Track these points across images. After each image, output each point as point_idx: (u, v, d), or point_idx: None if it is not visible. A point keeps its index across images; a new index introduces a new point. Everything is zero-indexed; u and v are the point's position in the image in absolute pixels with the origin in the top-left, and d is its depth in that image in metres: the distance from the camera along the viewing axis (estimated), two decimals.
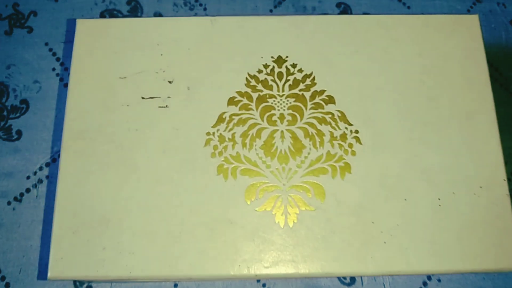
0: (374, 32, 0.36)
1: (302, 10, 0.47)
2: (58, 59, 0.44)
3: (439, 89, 0.35)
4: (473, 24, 0.36)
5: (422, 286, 0.38)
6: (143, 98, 0.34)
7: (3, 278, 0.37)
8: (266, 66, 0.35)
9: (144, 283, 0.37)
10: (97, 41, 0.36)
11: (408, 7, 0.48)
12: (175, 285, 0.37)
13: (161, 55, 0.35)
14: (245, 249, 0.30)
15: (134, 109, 0.34)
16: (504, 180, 0.33)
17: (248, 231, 0.31)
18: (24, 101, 0.42)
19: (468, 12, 0.48)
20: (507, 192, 0.32)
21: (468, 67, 0.35)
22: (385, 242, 0.31)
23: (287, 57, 0.35)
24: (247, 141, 0.33)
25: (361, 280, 0.38)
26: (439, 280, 0.38)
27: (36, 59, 0.44)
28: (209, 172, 0.32)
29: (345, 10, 0.48)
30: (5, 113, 0.42)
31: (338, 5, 0.48)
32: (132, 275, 0.30)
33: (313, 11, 0.47)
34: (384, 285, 0.38)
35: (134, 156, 0.32)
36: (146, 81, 0.34)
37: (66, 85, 0.43)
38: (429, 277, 0.38)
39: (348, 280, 0.38)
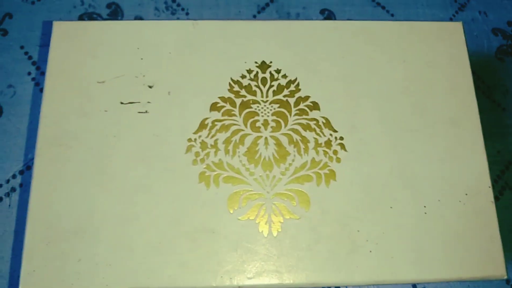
0: (359, 38, 0.36)
1: (286, 16, 0.47)
2: (34, 63, 0.42)
3: (423, 96, 0.35)
4: (456, 31, 0.36)
5: None
6: (122, 103, 0.33)
7: None
8: (249, 71, 0.34)
9: None
10: (75, 44, 0.34)
11: (392, 15, 0.49)
12: None
13: (141, 59, 0.34)
14: (228, 260, 0.29)
15: (112, 115, 0.33)
16: (489, 187, 0.32)
17: (231, 241, 0.30)
18: None
19: (451, 20, 0.48)
20: (492, 199, 0.32)
21: (452, 73, 0.35)
22: (370, 251, 0.30)
23: (271, 62, 0.35)
24: (230, 147, 0.32)
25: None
26: None
27: (10, 63, 0.42)
28: (190, 180, 0.31)
29: (329, 16, 0.48)
30: None
31: (322, 11, 0.48)
32: None
33: (297, 17, 0.47)
34: None
35: (112, 163, 0.31)
36: (125, 86, 0.33)
37: (42, 90, 0.41)
38: (414, 286, 0.38)
39: None
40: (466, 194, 0.32)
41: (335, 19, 0.47)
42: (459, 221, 0.31)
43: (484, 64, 0.47)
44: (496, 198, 0.42)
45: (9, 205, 0.37)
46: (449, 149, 0.33)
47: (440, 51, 0.36)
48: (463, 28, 0.48)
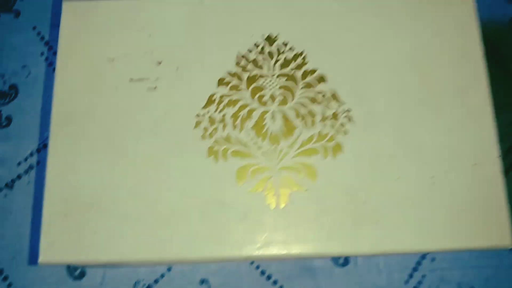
0: (366, 9, 0.36)
1: None
2: (46, 43, 0.43)
3: (431, 67, 0.34)
4: (466, 1, 0.36)
5: (416, 266, 0.38)
6: (131, 80, 0.34)
7: None
8: (256, 45, 0.35)
9: (138, 267, 0.38)
10: (84, 23, 0.35)
11: None
12: (169, 268, 0.37)
13: (149, 35, 0.35)
14: (237, 231, 0.30)
15: (122, 92, 0.33)
16: (498, 157, 0.32)
17: (239, 212, 0.31)
18: (13, 87, 0.42)
19: None
20: (500, 170, 0.32)
21: (462, 43, 0.35)
22: (377, 222, 0.31)
23: (277, 35, 0.35)
24: (238, 122, 0.33)
25: (356, 260, 0.38)
26: (433, 260, 0.38)
27: (24, 44, 0.43)
28: (199, 154, 0.32)
29: None
30: None
31: None
32: (123, 259, 0.30)
33: None
34: (378, 265, 0.38)
35: (124, 139, 0.32)
36: (134, 63, 0.34)
37: (55, 70, 0.42)
38: (423, 256, 0.39)
39: (342, 261, 0.38)
40: (475, 164, 0.32)
41: None
42: (467, 191, 0.32)
43: (498, 33, 0.46)
44: (507, 171, 0.41)
45: (28, 182, 0.39)
46: (457, 120, 0.33)
47: (449, 21, 0.35)
48: None
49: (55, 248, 0.30)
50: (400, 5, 0.36)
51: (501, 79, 0.44)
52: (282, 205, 0.31)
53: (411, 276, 0.38)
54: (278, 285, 0.37)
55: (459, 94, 0.34)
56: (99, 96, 0.33)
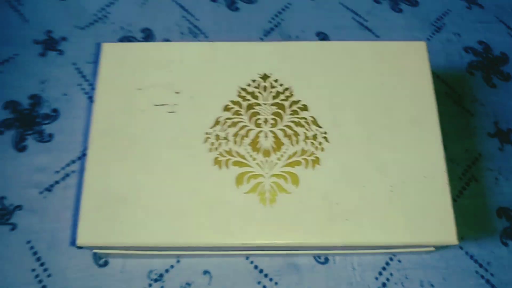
0: (342, 55, 0.45)
1: (288, 38, 0.57)
2: (83, 76, 0.53)
3: (392, 100, 0.43)
4: (421, 49, 0.45)
5: (385, 265, 0.46)
6: (155, 105, 0.43)
7: (35, 253, 0.45)
8: (254, 81, 0.44)
9: (152, 258, 0.45)
10: (119, 60, 0.45)
11: (378, 36, 0.58)
12: (178, 260, 0.45)
13: (170, 72, 0.44)
14: (235, 223, 0.38)
15: (148, 114, 0.42)
16: (445, 172, 0.41)
17: (237, 209, 0.39)
18: (55, 110, 0.51)
19: (428, 40, 0.57)
20: (447, 182, 0.40)
21: (416, 83, 0.44)
22: (347, 219, 0.39)
23: (271, 74, 0.44)
24: (238, 139, 0.41)
25: (334, 259, 0.46)
26: (399, 261, 0.46)
27: (65, 76, 0.53)
28: (207, 163, 0.40)
29: (323, 38, 0.57)
30: (39, 119, 0.51)
31: (318, 34, 0.57)
32: (144, 243, 0.38)
33: (297, 39, 0.57)
34: (352, 264, 0.45)
35: (147, 150, 0.41)
36: (158, 92, 0.43)
37: (90, 97, 0.52)
38: (391, 258, 0.46)
39: (322, 259, 0.46)
40: (425, 177, 0.40)
41: (329, 40, 0.57)
42: (419, 198, 0.40)
43: (456, 77, 0.56)
44: (463, 188, 0.50)
45: (64, 187, 0.47)
46: (412, 142, 0.42)
47: (406, 65, 0.45)
48: (438, 47, 0.57)
49: (90, 233, 0.38)
50: (367, 51, 0.45)
51: (459, 115, 0.53)
52: (271, 205, 0.39)
53: (380, 274, 0.45)
54: (269, 277, 0.44)
55: (414, 123, 0.43)
56: (129, 116, 0.42)
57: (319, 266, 0.45)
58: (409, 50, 0.46)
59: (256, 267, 0.45)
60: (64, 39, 0.55)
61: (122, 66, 0.45)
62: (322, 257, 0.46)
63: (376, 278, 0.45)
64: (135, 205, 0.39)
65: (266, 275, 0.45)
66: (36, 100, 0.51)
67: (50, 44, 0.55)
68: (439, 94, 0.44)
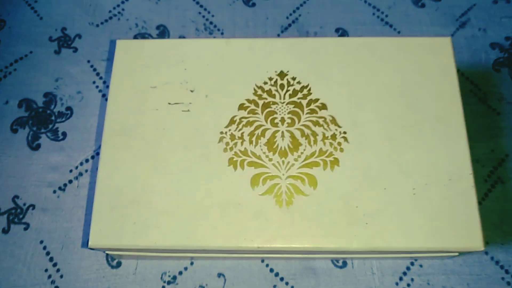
0: (362, 51, 0.44)
1: (305, 34, 0.55)
2: (97, 74, 0.53)
3: (415, 98, 0.41)
4: (446, 45, 0.43)
5: (406, 270, 0.44)
6: (169, 103, 0.42)
7: (48, 253, 0.44)
8: (270, 78, 0.43)
9: (165, 260, 0.44)
10: (133, 57, 0.44)
11: (399, 32, 0.56)
12: (191, 262, 0.44)
13: (185, 69, 0.43)
14: (250, 226, 0.37)
15: (162, 113, 0.41)
16: (470, 174, 0.39)
17: (253, 212, 0.38)
18: (69, 108, 0.51)
19: (452, 36, 0.55)
20: (472, 184, 0.38)
21: (441, 80, 0.42)
22: (367, 223, 0.37)
23: (288, 71, 0.43)
24: (253, 139, 0.40)
25: (352, 263, 0.44)
26: (421, 266, 0.44)
27: (79, 74, 0.52)
28: (221, 164, 0.39)
29: (342, 34, 0.55)
30: (53, 117, 0.50)
31: (337, 30, 0.56)
32: (157, 245, 0.37)
33: (315, 35, 0.55)
34: (372, 269, 0.44)
35: (161, 150, 0.40)
36: (172, 90, 0.42)
37: (104, 95, 0.51)
38: (412, 263, 0.44)
39: (340, 263, 0.44)
40: (450, 180, 0.38)
41: (348, 36, 0.55)
42: (443, 202, 0.38)
43: (481, 74, 0.53)
44: (489, 190, 0.47)
45: (77, 186, 0.47)
46: (436, 142, 0.40)
47: (430, 62, 0.43)
48: (462, 43, 0.54)
49: (102, 234, 0.37)
50: (389, 47, 0.44)
51: (484, 114, 0.51)
52: (288, 207, 0.38)
53: (401, 279, 0.43)
54: (284, 281, 0.43)
55: (438, 122, 0.41)
56: (143, 115, 0.41)
57: (337, 270, 0.44)
58: (433, 46, 0.44)
59: (271, 270, 0.44)
60: (78, 36, 0.55)
61: (136, 63, 0.44)
62: (340, 260, 0.44)
63: (397, 284, 0.43)
64: (148, 206, 0.38)
65: (282, 279, 0.43)
66: (50, 98, 0.51)
67: (65, 41, 0.54)
68: (464, 92, 0.42)
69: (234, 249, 0.37)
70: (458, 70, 0.43)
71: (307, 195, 0.38)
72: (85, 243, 0.44)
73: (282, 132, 0.41)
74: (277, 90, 0.42)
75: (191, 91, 0.42)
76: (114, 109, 0.42)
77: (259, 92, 0.42)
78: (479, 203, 0.46)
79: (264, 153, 0.40)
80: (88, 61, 0.53)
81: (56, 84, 0.52)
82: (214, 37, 0.55)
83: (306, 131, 0.41)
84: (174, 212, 0.38)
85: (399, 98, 0.42)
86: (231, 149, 0.40)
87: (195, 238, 0.37)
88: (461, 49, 0.54)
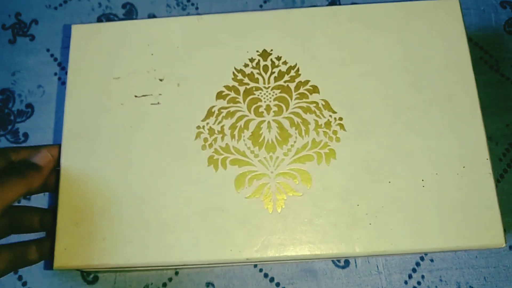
0: (356, 22, 0.37)
1: (291, 4, 0.49)
2: (59, 64, 0.46)
3: (420, 74, 0.36)
4: (453, 8, 0.37)
5: (415, 267, 0.39)
6: (136, 96, 0.36)
7: (16, 271, 0.39)
8: (251, 60, 0.37)
9: (147, 271, 0.40)
10: (92, 45, 0.38)
11: None
12: (176, 272, 0.39)
13: (152, 54, 0.37)
14: (236, 235, 0.32)
15: (128, 107, 0.36)
16: (487, 159, 0.33)
17: (239, 218, 0.33)
18: (29, 105, 0.45)
19: None
20: (490, 171, 0.33)
21: (450, 51, 0.36)
22: (370, 224, 0.32)
23: (271, 50, 0.37)
24: (236, 132, 0.35)
25: (355, 262, 0.39)
26: (431, 260, 0.39)
27: (38, 65, 0.46)
28: (200, 164, 0.34)
29: (333, 3, 0.49)
30: (12, 117, 0.44)
31: None
32: (131, 263, 0.32)
33: (302, 5, 0.48)
34: (377, 267, 0.39)
35: (130, 151, 0.34)
36: (138, 80, 0.36)
37: None
38: (422, 258, 0.40)
39: (342, 263, 0.39)
40: (464, 167, 0.33)
41: (339, 4, 0.49)
42: (457, 193, 0.33)
43: (492, 38, 0.47)
44: (505, 171, 0.42)
45: (44, 194, 0.42)
46: (446, 124, 0.34)
47: (436, 29, 0.37)
48: (469, 3, 0.48)
49: (68, 253, 0.32)
50: (388, 15, 0.37)
51: (497, 83, 0.45)
52: (279, 210, 0.33)
53: (410, 276, 0.39)
54: (281, 286, 0.39)
55: (448, 100, 0.35)
56: (107, 112, 0.36)
57: (339, 271, 0.39)
58: (438, 11, 0.37)
59: (266, 275, 0.39)
60: (35, 22, 0.48)
61: (96, 51, 0.37)
62: (342, 260, 0.39)
63: (406, 282, 0.38)
64: (118, 218, 0.33)
65: (278, 284, 0.39)
66: (7, 95, 0.45)
67: (20, 28, 0.48)
68: (472, 60, 0.36)
69: (220, 262, 0.32)
70: (466, 34, 0.36)
71: (300, 195, 0.33)
72: (49, 263, 0.39)
73: (269, 122, 0.35)
74: (260, 74, 0.36)
75: (160, 80, 0.36)
76: (73, 108, 0.36)
77: (240, 76, 0.36)
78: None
79: (248, 148, 0.34)
80: (48, 50, 0.47)
81: (13, 79, 0.46)
82: (188, 14, 0.48)
83: (296, 119, 0.35)
84: (149, 223, 0.33)
85: (401, 75, 0.36)
86: (210, 146, 0.34)
87: (174, 253, 0.32)
88: (468, 9, 0.47)
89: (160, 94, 0.36)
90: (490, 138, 0.43)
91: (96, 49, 0.37)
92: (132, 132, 0.35)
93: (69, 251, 0.32)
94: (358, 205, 0.33)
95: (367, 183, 0.33)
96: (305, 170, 0.34)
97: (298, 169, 0.34)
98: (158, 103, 0.36)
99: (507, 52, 0.46)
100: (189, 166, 0.34)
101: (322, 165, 0.34)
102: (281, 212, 0.33)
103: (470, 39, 0.46)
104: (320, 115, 0.35)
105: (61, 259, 0.32)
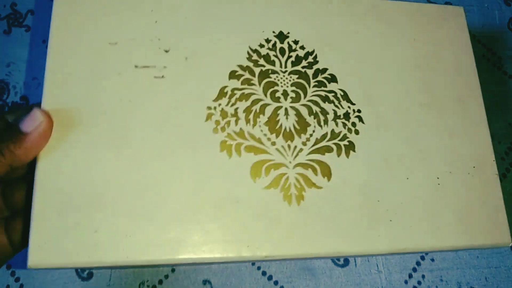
0: (372, 15, 0.35)
1: None
2: None
3: (431, 73, 0.34)
4: (458, 14, 0.36)
5: (416, 266, 0.37)
6: (136, 66, 0.29)
7: (9, 267, 0.30)
8: (268, 40, 0.32)
9: (143, 268, 0.33)
10: (83, 1, 0.30)
11: None
12: (173, 270, 0.33)
13: (156, 22, 0.31)
14: (253, 229, 0.27)
15: (126, 78, 0.29)
16: (493, 161, 0.32)
17: (255, 210, 0.28)
18: (24, 98, 0.37)
19: None
20: (496, 172, 0.32)
21: (456, 54, 0.35)
22: (391, 220, 0.29)
23: (288, 33, 0.33)
24: (251, 117, 0.30)
25: (355, 261, 0.37)
26: (432, 260, 0.38)
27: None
28: (211, 149, 0.29)
29: None
30: (6, 109, 0.36)
31: None
32: (130, 260, 0.25)
33: None
34: (377, 266, 0.37)
35: (128, 129, 0.28)
36: (139, 49, 0.30)
37: None
38: (422, 257, 0.38)
39: (341, 262, 0.36)
40: (474, 167, 0.32)
41: None
42: (469, 193, 0.31)
43: (495, 35, 0.46)
44: (507, 170, 0.42)
45: None
46: (456, 124, 0.33)
47: (444, 33, 0.35)
48: (473, 1, 0.46)
49: (47, 249, 0.25)
50: (402, 13, 0.35)
51: (500, 82, 0.44)
52: (299, 203, 0.29)
53: (410, 276, 0.37)
54: (279, 285, 0.34)
55: (457, 101, 0.34)
56: (100, 81, 0.29)
57: (338, 270, 0.36)
58: (445, 15, 0.36)
59: (264, 273, 0.34)
60: (31, 12, 0.40)
61: (89, 8, 0.30)
62: (341, 259, 0.36)
63: (406, 282, 0.36)
64: (113, 208, 0.26)
65: (276, 283, 0.34)
66: (2, 86, 0.37)
67: (15, 19, 0.39)
68: (476, 58, 0.34)
69: (237, 260, 0.27)
70: (469, 32, 0.35)
71: (320, 188, 0.29)
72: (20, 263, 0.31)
73: (286, 109, 0.31)
74: (276, 56, 0.32)
75: (166, 51, 0.30)
76: (56, 73, 0.28)
77: (255, 57, 0.32)
78: None
79: (265, 135, 0.30)
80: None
81: (8, 70, 0.38)
82: None
83: (315, 108, 0.31)
84: (151, 215, 0.26)
85: (413, 72, 0.34)
86: (222, 129, 0.29)
87: (181, 248, 0.26)
88: (472, 6, 0.46)
89: (165, 67, 0.30)
90: (492, 136, 0.42)
91: (89, 6, 0.30)
92: (131, 107, 0.28)
93: (49, 247, 0.25)
94: (378, 201, 0.30)
95: (386, 178, 0.30)
96: (324, 162, 0.30)
97: (317, 160, 0.30)
98: (163, 76, 0.30)
99: (510, 50, 0.46)
100: (199, 151, 0.28)
101: (342, 157, 0.30)
102: (301, 205, 0.28)
103: (473, 36, 0.45)
104: (339, 106, 0.31)
105: (38, 256, 0.25)
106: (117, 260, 0.25)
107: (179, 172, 0.28)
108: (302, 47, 0.33)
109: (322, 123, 0.31)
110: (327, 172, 0.30)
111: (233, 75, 0.31)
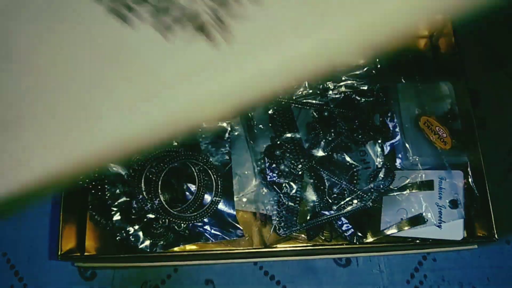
0: None
1: None
2: None
3: None
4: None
5: (418, 266, 0.36)
6: None
7: (13, 266, 0.37)
8: None
9: (145, 268, 0.37)
10: None
11: None
12: (175, 269, 0.36)
13: None
14: None
15: None
16: None
17: None
18: None
19: None
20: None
21: None
22: None
23: None
24: None
25: (356, 261, 0.37)
26: (434, 260, 0.37)
27: None
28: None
29: None
30: None
31: None
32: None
33: None
34: (379, 266, 0.36)
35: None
36: None
37: None
38: (424, 257, 0.37)
39: (343, 262, 0.37)
40: None
41: None
42: None
43: (495, 31, 0.43)
44: (509, 170, 0.39)
45: None
46: None
47: None
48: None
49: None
50: None
51: (501, 81, 0.41)
52: None
53: (412, 276, 0.36)
54: (282, 285, 0.36)
55: None
56: None
57: (340, 270, 0.36)
58: None
59: (266, 273, 0.36)
60: None
61: None
62: (343, 259, 0.37)
63: (408, 282, 0.36)
64: None
65: (278, 283, 0.36)
66: None
67: None
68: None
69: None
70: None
71: None
72: (54, 254, 0.36)
73: None
74: None
75: None
76: None
77: None
78: (498, 185, 0.38)
79: None
80: None
81: None
82: None
83: None
84: None
85: None
86: None
87: None
88: None
89: None
90: (493, 137, 0.39)
91: None
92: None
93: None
94: None
95: None
96: None
97: None
98: None
99: None
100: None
101: None
102: None
103: (470, 32, 0.43)
104: None
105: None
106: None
107: None
108: None
109: None
110: None
111: None
